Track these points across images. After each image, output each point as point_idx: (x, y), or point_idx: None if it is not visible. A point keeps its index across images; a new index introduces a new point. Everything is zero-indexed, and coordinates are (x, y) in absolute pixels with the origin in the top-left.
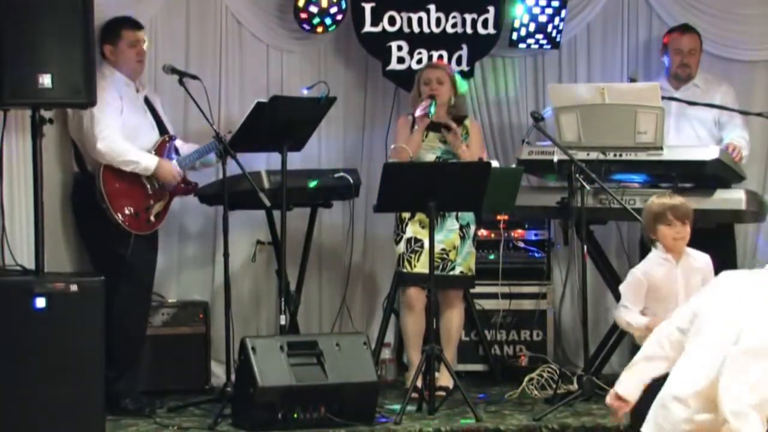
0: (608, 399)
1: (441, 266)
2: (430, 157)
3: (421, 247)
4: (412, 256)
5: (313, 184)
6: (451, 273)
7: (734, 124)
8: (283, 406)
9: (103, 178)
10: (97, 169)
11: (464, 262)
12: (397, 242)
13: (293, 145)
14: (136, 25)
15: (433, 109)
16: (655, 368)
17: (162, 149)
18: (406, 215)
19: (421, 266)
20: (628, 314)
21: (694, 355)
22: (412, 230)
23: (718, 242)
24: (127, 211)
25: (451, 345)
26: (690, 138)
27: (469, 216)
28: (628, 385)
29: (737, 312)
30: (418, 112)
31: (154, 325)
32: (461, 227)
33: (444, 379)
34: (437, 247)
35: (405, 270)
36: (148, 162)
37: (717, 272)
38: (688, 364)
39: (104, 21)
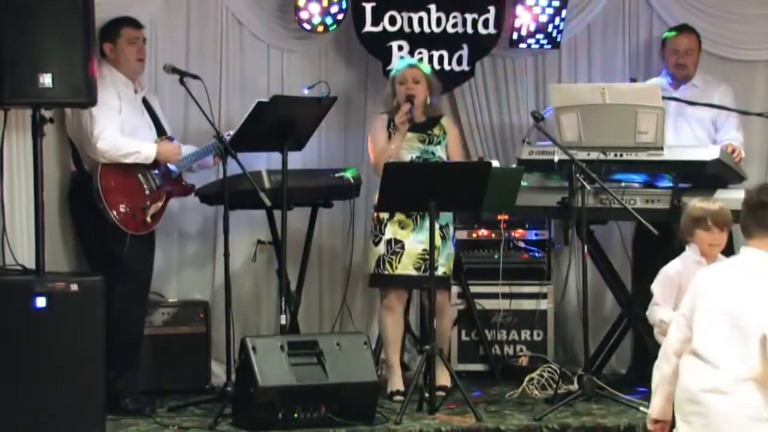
0: (648, 425)
1: (423, 267)
2: (409, 157)
3: (402, 248)
4: (393, 257)
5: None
6: (435, 274)
7: (730, 124)
8: (284, 406)
9: (100, 178)
10: (95, 168)
11: (447, 262)
12: (376, 243)
13: (294, 145)
14: (135, 24)
15: (412, 114)
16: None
17: None
18: (384, 216)
19: (402, 268)
20: (660, 311)
21: (712, 350)
22: (392, 231)
23: None
24: (123, 211)
25: (444, 345)
26: (688, 138)
27: (447, 217)
28: (658, 406)
29: (745, 299)
30: (398, 119)
31: (154, 324)
32: (441, 228)
33: (443, 378)
34: (418, 248)
35: (386, 272)
36: (148, 151)
37: None
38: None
39: (105, 21)
